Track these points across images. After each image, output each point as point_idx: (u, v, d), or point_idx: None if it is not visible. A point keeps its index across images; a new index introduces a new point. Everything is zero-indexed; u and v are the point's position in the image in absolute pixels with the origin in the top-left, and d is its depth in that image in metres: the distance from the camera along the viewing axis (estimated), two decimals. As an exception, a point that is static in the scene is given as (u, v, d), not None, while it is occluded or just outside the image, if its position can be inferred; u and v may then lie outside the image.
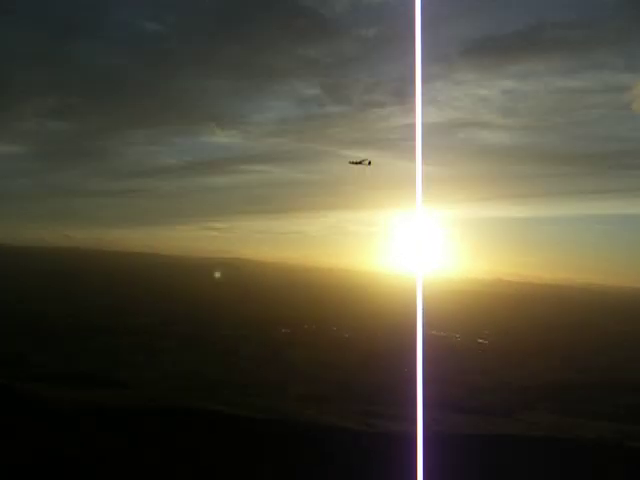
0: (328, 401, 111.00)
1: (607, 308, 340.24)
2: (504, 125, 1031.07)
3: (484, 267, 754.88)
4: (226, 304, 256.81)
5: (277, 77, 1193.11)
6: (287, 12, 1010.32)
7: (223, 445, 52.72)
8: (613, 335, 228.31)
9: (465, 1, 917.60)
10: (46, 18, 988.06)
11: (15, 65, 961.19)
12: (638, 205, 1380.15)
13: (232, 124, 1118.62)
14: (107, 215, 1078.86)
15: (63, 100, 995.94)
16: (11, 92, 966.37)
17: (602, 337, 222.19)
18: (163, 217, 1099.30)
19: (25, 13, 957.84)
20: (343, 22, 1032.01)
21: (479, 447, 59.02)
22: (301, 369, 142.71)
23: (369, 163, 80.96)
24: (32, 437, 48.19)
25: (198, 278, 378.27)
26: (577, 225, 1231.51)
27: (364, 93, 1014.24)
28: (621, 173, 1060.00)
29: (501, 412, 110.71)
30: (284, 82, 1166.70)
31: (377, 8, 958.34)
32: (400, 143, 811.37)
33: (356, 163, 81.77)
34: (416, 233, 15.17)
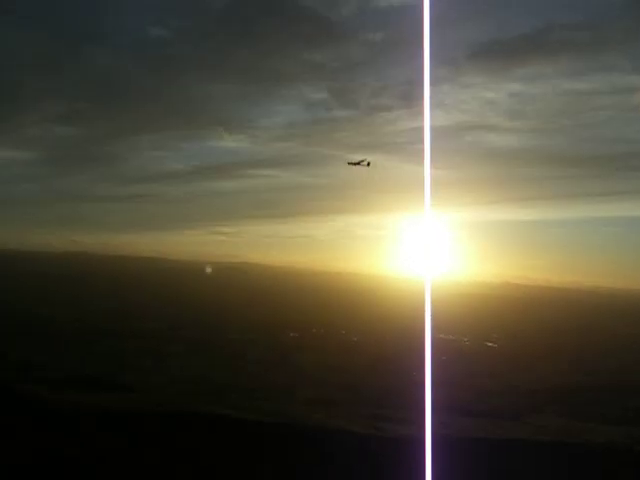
0: (336, 405, 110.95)
1: (615, 311, 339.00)
2: (511, 128, 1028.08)
3: (492, 270, 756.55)
4: (234, 308, 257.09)
5: (284, 81, 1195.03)
6: (294, 16, 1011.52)
7: (229, 448, 52.74)
8: (622, 338, 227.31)
9: (472, 4, 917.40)
10: (53, 24, 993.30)
11: (22, 71, 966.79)
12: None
13: (239, 129, 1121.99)
14: (114, 220, 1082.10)
15: (70, 105, 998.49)
16: (18, 98, 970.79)
17: (610, 340, 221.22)
18: (170, 222, 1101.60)
19: (31, 20, 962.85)
20: (350, 26, 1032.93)
21: (488, 451, 58.85)
22: (309, 373, 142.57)
23: (368, 164, 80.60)
24: (36, 438, 48.31)
25: (206, 282, 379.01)
26: (584, 228, 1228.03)
27: (371, 97, 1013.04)
28: (629, 175, 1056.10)
29: (509, 415, 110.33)
30: (291, 86, 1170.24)
31: (384, 12, 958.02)
32: (407, 147, 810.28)
33: (355, 164, 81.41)
34: (424, 236, 15.10)
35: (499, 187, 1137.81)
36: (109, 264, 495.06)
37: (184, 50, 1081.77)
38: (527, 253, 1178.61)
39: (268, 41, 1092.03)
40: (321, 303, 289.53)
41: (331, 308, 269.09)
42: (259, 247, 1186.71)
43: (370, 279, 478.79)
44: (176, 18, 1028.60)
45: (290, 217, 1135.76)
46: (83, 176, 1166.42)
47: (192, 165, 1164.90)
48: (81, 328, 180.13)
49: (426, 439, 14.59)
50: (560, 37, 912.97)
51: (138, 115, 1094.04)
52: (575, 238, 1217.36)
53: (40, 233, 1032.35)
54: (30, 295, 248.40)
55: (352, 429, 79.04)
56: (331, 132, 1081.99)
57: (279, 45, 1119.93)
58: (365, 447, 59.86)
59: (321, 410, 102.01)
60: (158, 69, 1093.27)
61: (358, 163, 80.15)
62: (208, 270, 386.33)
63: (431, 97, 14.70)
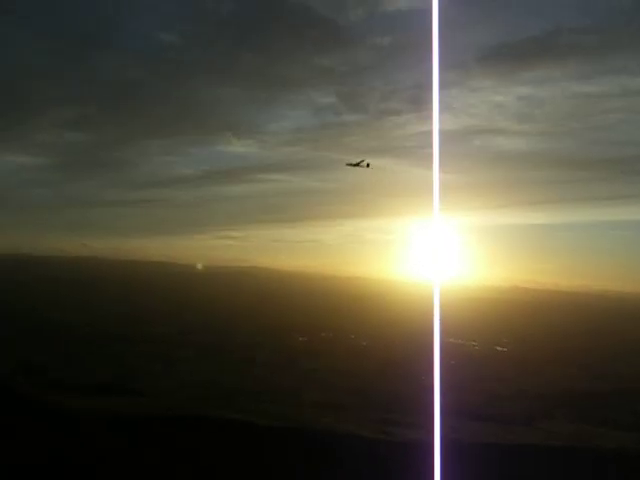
0: (345, 409, 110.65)
1: (624, 314, 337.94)
2: (520, 131, 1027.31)
3: (501, 274, 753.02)
4: (243, 312, 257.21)
5: (293, 86, 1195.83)
6: (302, 21, 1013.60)
7: (237, 452, 52.72)
8: (631, 341, 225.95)
9: (480, 8, 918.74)
10: (63, 30, 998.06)
11: (32, 77, 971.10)
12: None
13: (248, 133, 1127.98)
14: (124, 225, 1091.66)
15: (80, 111, 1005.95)
16: (30, 104, 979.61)
17: (620, 344, 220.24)
18: (180, 226, 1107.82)
19: (41, 25, 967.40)
20: (358, 30, 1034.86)
21: (498, 456, 58.58)
22: (318, 377, 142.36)
23: (368, 165, 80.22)
24: (46, 441, 48.51)
25: (215, 287, 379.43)
26: (592, 231, 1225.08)
27: (380, 101, 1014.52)
28: (635, 179, 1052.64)
29: (520, 420, 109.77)
30: (300, 91, 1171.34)
31: (392, 16, 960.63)
32: (417, 151, 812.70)
33: (354, 165, 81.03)
34: (433, 240, 15.11)
35: (508, 191, 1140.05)
36: (119, 268, 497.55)
37: (193, 55, 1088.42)
38: (536, 257, 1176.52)
39: (276, 46, 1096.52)
40: (330, 307, 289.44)
41: (340, 312, 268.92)
42: (268, 251, 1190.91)
43: (379, 283, 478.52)
44: (185, 23, 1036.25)
45: (299, 221, 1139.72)
46: (93, 181, 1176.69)
47: (201, 170, 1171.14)
48: (91, 332, 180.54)
49: (435, 444, 14.55)
50: (569, 40, 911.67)
51: (148, 120, 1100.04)
52: (583, 242, 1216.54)
53: (51, 238, 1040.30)
54: (42, 299, 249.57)
55: (361, 433, 78.77)
56: (340, 136, 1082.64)
57: (287, 50, 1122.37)
58: (374, 451, 59.70)
59: (330, 414, 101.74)
60: (167, 74, 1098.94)
61: (357, 164, 79.73)
62: (199, 267, 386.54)
63: (440, 101, 14.69)
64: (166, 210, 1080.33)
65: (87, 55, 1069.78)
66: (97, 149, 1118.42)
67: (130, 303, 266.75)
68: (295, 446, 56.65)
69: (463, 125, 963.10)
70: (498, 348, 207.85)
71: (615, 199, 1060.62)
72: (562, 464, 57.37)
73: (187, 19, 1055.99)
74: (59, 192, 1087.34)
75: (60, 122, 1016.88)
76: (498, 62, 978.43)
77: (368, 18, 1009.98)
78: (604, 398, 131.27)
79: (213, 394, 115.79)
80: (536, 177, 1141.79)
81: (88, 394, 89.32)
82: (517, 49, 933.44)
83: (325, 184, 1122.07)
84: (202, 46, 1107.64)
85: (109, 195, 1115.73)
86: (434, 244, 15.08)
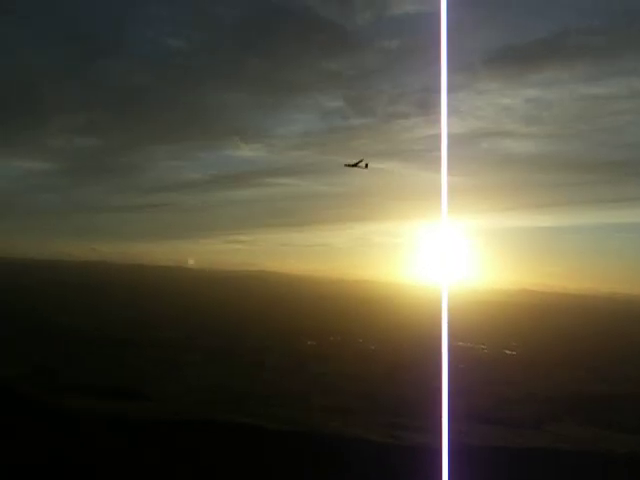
0: (353, 413, 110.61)
1: (633, 317, 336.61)
2: (528, 134, 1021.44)
3: (509, 277, 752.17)
4: (251, 316, 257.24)
5: (300, 90, 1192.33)
6: (309, 25, 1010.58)
7: (246, 456, 52.73)
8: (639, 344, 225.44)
9: (486, 10, 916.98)
10: (70, 36, 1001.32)
11: (41, 83, 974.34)
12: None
13: (256, 138, 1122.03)
14: (132, 229, 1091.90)
15: (87, 117, 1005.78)
16: (36, 110, 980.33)
17: (628, 346, 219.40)
18: (187, 231, 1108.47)
19: (47, 30, 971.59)
20: (365, 34, 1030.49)
21: (507, 460, 58.38)
22: (327, 381, 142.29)
23: (366, 165, 79.86)
24: (51, 443, 48.66)
25: (223, 291, 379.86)
26: (599, 234, 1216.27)
27: (388, 105, 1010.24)
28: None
29: (529, 424, 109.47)
30: (307, 95, 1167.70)
31: (399, 20, 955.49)
32: (425, 154, 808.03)
33: (352, 165, 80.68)
34: (441, 244, 15.09)
35: (515, 193, 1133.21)
36: (127, 273, 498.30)
37: (200, 60, 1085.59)
38: (544, 260, 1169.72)
39: (283, 51, 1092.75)
40: (338, 311, 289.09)
41: (348, 316, 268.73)
42: (276, 255, 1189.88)
43: (387, 287, 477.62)
44: (192, 29, 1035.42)
45: (307, 225, 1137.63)
46: (101, 186, 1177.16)
47: (209, 174, 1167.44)
48: (100, 337, 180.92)
49: (444, 448, 14.51)
50: (576, 42, 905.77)
51: (155, 126, 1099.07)
52: (591, 244, 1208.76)
53: (59, 243, 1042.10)
54: (50, 303, 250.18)
55: (369, 437, 78.74)
56: (348, 140, 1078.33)
57: (294, 54, 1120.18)
58: (382, 456, 59.62)
59: (338, 418, 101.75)
60: (174, 80, 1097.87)
61: (356, 164, 79.38)
62: (191, 262, 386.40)
63: (447, 104, 14.67)
64: (174, 214, 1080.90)
65: (95, 60, 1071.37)
66: (104, 154, 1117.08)
67: (138, 307, 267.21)
68: (304, 450, 56.62)
69: (470, 128, 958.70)
70: (507, 351, 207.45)
71: (623, 201, 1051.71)
72: (571, 468, 57.12)
73: (194, 25, 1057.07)
74: (66, 197, 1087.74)
75: (67, 128, 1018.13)
76: (505, 64, 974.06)
77: (375, 22, 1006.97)
78: (612, 401, 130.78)
79: (222, 398, 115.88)
80: (544, 180, 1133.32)
81: (97, 397, 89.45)
82: (524, 51, 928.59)
83: (333, 188, 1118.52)
84: (209, 51, 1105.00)
85: (117, 200, 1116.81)
86: (442, 247, 15.07)
